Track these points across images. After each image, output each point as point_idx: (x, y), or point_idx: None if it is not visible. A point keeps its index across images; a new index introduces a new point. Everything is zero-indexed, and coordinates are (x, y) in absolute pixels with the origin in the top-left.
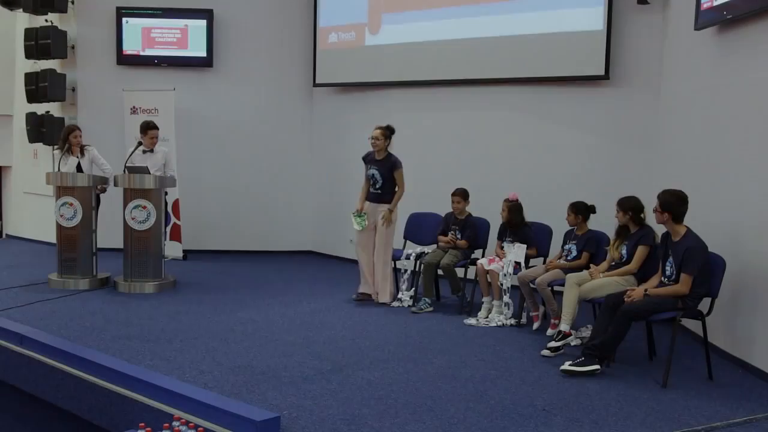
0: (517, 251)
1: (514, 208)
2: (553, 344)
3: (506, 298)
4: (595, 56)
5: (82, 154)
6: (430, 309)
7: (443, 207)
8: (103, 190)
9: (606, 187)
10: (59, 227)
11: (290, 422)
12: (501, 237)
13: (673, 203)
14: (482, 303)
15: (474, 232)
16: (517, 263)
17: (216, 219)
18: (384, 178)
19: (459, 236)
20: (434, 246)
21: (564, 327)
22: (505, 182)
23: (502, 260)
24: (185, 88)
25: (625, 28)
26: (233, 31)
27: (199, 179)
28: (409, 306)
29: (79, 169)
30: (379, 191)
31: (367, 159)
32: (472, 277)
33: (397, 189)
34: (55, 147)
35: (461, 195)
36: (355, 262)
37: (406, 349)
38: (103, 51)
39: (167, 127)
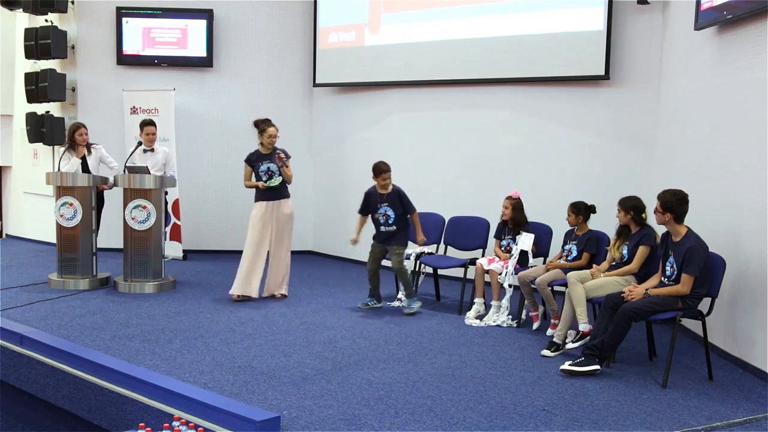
0: (524, 240)
1: (517, 206)
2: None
3: (506, 299)
4: (595, 56)
5: (89, 152)
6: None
7: (443, 207)
8: (110, 187)
9: (606, 187)
10: (59, 227)
11: (290, 422)
12: (499, 236)
13: (674, 203)
14: (474, 303)
15: (406, 202)
16: (524, 252)
17: (216, 219)
18: (281, 171)
19: (391, 217)
20: (433, 246)
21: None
22: (504, 182)
23: (506, 261)
24: (185, 88)
25: (625, 28)
26: (233, 31)
27: (198, 179)
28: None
29: (85, 167)
30: (277, 187)
31: (254, 158)
32: (472, 277)
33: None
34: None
35: (375, 169)
36: (355, 261)
37: (406, 349)
38: (103, 51)
39: (167, 127)
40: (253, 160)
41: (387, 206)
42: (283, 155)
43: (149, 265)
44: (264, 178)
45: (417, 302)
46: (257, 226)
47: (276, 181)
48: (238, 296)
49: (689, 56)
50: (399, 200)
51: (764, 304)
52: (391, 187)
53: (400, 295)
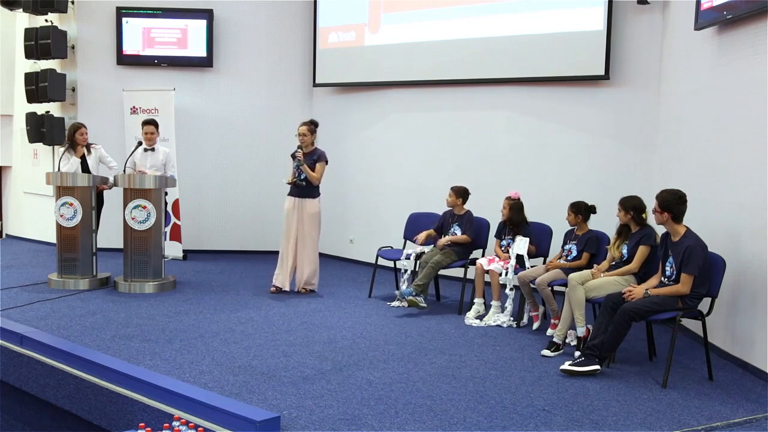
0: (519, 243)
1: (515, 207)
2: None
3: (508, 303)
4: (595, 56)
5: (89, 152)
6: (423, 305)
7: (443, 207)
8: (110, 187)
9: (606, 187)
10: (59, 227)
11: (290, 422)
12: (499, 236)
13: (672, 203)
14: (474, 303)
15: (473, 227)
16: (519, 256)
17: (216, 219)
18: (309, 169)
19: (457, 232)
20: (431, 246)
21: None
22: (505, 182)
23: (506, 261)
24: (185, 88)
25: (625, 28)
26: (233, 31)
27: (199, 179)
28: (409, 306)
29: (84, 167)
30: (304, 183)
31: (293, 154)
32: (472, 277)
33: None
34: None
35: (456, 191)
36: (355, 262)
37: (406, 349)
38: (103, 51)
39: (167, 127)
40: (292, 155)
41: (457, 225)
42: (299, 153)
43: (149, 265)
44: (296, 173)
45: (422, 300)
46: (285, 220)
47: (288, 178)
48: (275, 288)
49: (689, 56)
50: (467, 222)
51: (764, 304)
52: (464, 210)
53: (399, 293)
